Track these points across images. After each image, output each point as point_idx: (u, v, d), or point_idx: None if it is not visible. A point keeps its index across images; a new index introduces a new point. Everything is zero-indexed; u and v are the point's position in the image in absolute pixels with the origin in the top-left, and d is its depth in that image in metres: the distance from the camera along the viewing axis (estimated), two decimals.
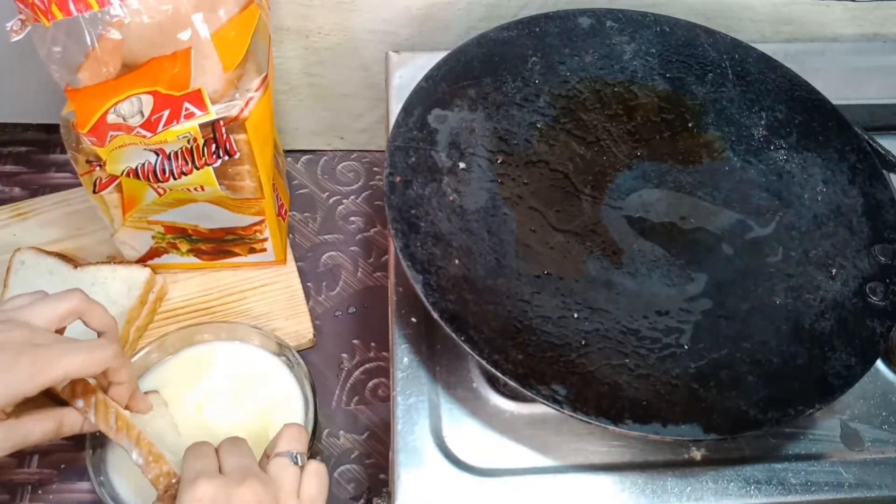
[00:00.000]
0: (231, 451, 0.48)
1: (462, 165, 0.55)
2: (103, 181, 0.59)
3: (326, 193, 0.80)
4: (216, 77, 0.54)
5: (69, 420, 0.50)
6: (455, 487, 0.47)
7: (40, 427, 0.48)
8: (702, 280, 0.53)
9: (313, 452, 0.55)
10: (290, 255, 0.73)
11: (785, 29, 0.71)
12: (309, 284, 0.73)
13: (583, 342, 0.49)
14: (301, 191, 0.80)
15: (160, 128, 0.53)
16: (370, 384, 0.69)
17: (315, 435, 0.57)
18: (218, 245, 0.68)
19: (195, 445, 0.49)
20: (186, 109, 0.53)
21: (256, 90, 0.57)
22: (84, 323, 0.50)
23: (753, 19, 0.70)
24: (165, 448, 0.52)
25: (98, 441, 0.57)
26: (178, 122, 0.54)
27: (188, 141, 0.56)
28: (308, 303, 0.71)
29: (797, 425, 0.51)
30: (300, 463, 0.48)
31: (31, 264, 0.66)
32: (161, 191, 0.60)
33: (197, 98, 0.53)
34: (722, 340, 0.50)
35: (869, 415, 0.52)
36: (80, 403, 0.50)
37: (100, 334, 0.52)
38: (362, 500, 0.63)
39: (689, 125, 0.60)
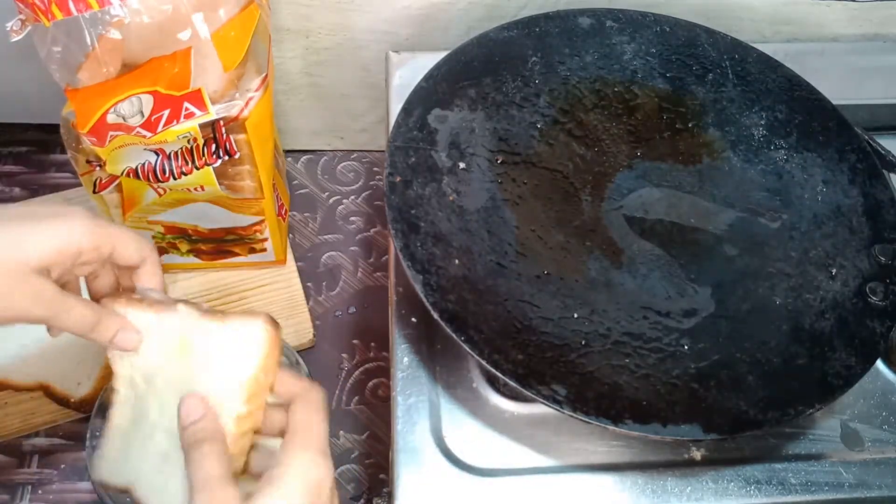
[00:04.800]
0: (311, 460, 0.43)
1: (462, 165, 0.55)
2: (103, 181, 0.59)
3: (326, 193, 0.80)
4: (216, 77, 0.54)
5: (105, 323, 0.43)
6: (455, 487, 0.47)
7: (80, 310, 0.42)
8: (702, 280, 0.53)
9: None
10: (290, 255, 0.73)
11: (785, 29, 0.71)
12: (309, 284, 0.73)
13: (583, 342, 0.49)
14: (301, 191, 0.80)
15: (160, 128, 0.53)
16: (370, 384, 0.69)
17: None
18: (218, 245, 0.68)
19: (305, 416, 0.43)
20: (186, 109, 0.53)
21: (256, 90, 0.57)
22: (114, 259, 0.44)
23: (753, 19, 0.70)
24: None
25: (98, 441, 0.57)
26: (178, 122, 0.54)
27: (188, 141, 0.56)
28: (308, 303, 0.71)
29: (797, 425, 0.51)
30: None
31: None
32: (161, 191, 0.60)
33: (197, 98, 0.53)
34: (722, 340, 0.50)
35: (869, 415, 0.52)
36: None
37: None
38: (362, 500, 0.63)
39: (689, 125, 0.60)
